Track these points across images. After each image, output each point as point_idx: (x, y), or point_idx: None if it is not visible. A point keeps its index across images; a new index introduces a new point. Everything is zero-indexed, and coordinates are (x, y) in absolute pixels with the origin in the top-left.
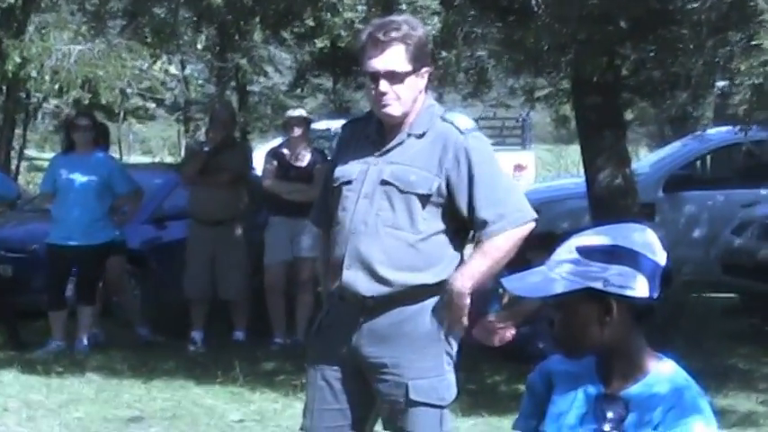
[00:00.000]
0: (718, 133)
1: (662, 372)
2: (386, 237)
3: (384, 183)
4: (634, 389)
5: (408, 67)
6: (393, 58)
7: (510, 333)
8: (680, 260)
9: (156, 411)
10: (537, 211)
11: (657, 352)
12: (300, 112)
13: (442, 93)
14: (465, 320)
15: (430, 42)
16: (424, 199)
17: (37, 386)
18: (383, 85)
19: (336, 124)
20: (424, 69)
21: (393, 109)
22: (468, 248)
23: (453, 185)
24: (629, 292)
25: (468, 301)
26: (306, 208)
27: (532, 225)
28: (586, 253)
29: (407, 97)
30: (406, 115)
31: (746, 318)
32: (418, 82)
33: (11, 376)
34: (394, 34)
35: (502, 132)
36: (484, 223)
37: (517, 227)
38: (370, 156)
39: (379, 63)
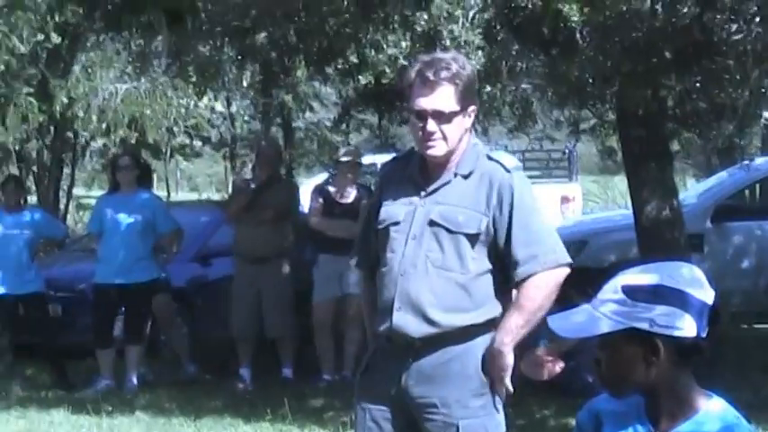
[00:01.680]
0: (766, 163)
1: (711, 410)
2: (436, 278)
3: (432, 224)
4: (684, 427)
5: (456, 108)
6: (442, 97)
7: (558, 366)
8: (728, 291)
9: None
10: (584, 243)
11: (705, 385)
12: (351, 156)
13: (488, 126)
14: (508, 382)
15: (477, 81)
16: (473, 238)
17: (87, 425)
18: (431, 124)
19: (381, 159)
20: (471, 108)
21: (438, 149)
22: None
23: (497, 223)
24: (676, 333)
25: (509, 360)
26: (353, 244)
27: (567, 270)
28: (632, 292)
29: (454, 137)
30: (450, 154)
31: None
32: (465, 121)
33: (60, 416)
34: (444, 74)
35: (548, 165)
36: (516, 263)
37: (548, 269)
38: (415, 196)
39: (428, 102)
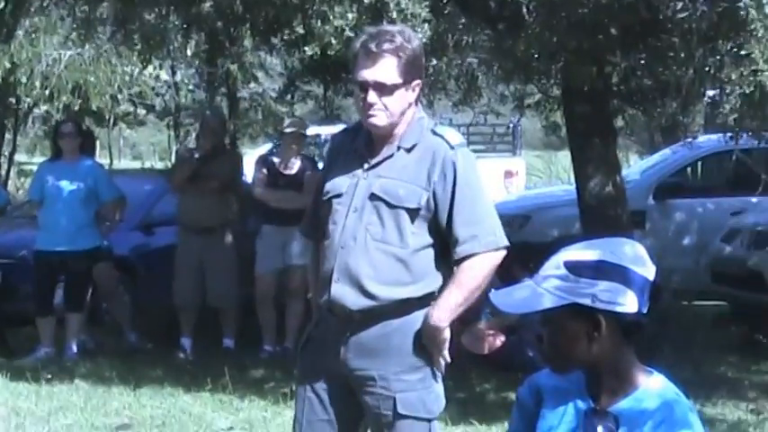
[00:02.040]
0: (709, 141)
1: (652, 386)
2: (375, 251)
3: (373, 197)
4: (624, 404)
5: (399, 80)
6: (384, 69)
7: (499, 340)
8: (669, 268)
9: (145, 419)
10: (527, 218)
11: (646, 362)
12: (295, 127)
13: (433, 100)
14: (446, 355)
15: (423, 55)
16: (413, 213)
17: (25, 393)
18: (372, 95)
19: (326, 131)
20: (416, 82)
21: (379, 120)
22: None
23: (438, 199)
24: (618, 308)
25: (446, 335)
26: (296, 216)
27: (503, 253)
28: (574, 268)
29: (395, 109)
30: (392, 127)
31: (736, 326)
32: (408, 95)
33: None
34: (386, 46)
35: (492, 139)
36: (456, 241)
37: (487, 251)
38: (358, 169)
39: (370, 74)
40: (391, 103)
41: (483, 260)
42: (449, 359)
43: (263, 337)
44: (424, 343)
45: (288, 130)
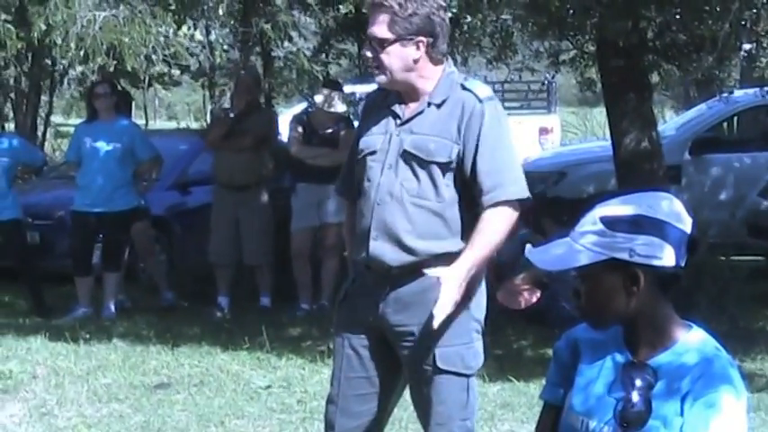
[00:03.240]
0: (745, 95)
1: (691, 340)
2: (411, 206)
3: (405, 153)
4: (662, 357)
5: (389, 35)
6: (377, 24)
7: (535, 296)
8: (706, 223)
9: (183, 378)
10: (563, 174)
11: (683, 316)
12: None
13: (467, 57)
14: (448, 306)
15: (433, 13)
16: (445, 166)
17: (64, 353)
18: (369, 50)
19: (361, 89)
20: (418, 39)
21: (378, 77)
22: None
23: (465, 150)
24: (655, 262)
25: (455, 294)
26: (331, 173)
27: (523, 206)
28: (611, 223)
29: (392, 65)
30: (395, 83)
31: None
32: (407, 51)
33: (38, 343)
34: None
35: (527, 96)
36: (481, 191)
37: (509, 200)
38: (391, 125)
39: (369, 28)
40: (387, 59)
41: (504, 210)
42: (448, 309)
43: (299, 294)
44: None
45: (318, 97)
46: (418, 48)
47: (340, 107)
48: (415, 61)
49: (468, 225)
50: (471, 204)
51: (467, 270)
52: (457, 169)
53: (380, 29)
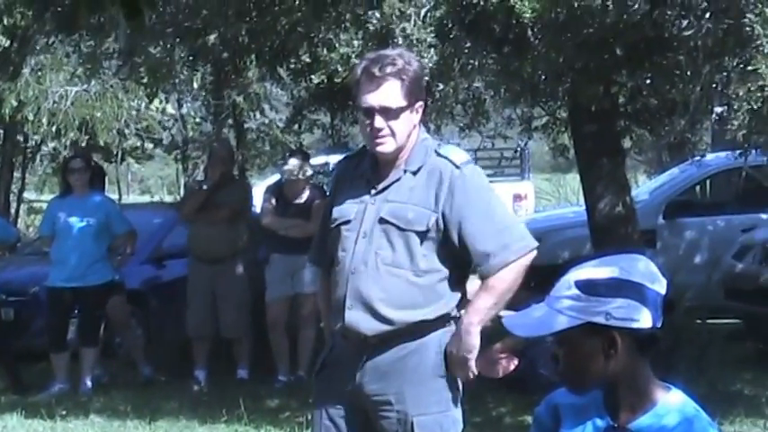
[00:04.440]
0: (717, 158)
1: (671, 402)
2: (386, 275)
3: (382, 221)
4: (643, 420)
5: (403, 103)
6: (388, 93)
7: (513, 363)
8: (682, 286)
9: None
10: (537, 240)
11: (662, 379)
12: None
13: (440, 125)
14: (472, 364)
15: (425, 76)
16: (422, 235)
17: (41, 430)
18: (378, 121)
19: (334, 159)
20: (419, 104)
21: (387, 146)
22: (472, 280)
23: (447, 219)
24: (633, 325)
25: (476, 341)
26: (304, 244)
27: (534, 254)
28: (586, 287)
29: (402, 133)
30: (399, 150)
31: (750, 342)
32: (413, 117)
33: (14, 420)
34: (389, 69)
35: (500, 163)
36: (486, 256)
37: (520, 257)
38: (366, 194)
39: (375, 99)
40: (398, 127)
41: (515, 264)
42: (475, 370)
43: (276, 366)
44: (450, 351)
45: (286, 167)
46: (417, 112)
47: (309, 171)
48: (414, 126)
49: (455, 288)
50: (461, 271)
51: (480, 321)
52: (442, 239)
53: (394, 98)
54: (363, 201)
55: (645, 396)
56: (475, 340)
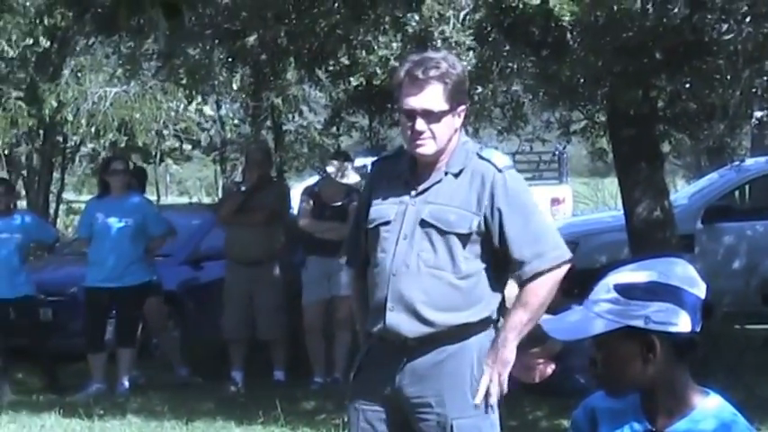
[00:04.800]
0: (756, 163)
1: (708, 407)
2: (427, 277)
3: (424, 223)
4: (680, 425)
5: (446, 107)
6: (431, 96)
7: (550, 368)
8: (720, 292)
9: None
10: (575, 245)
11: (700, 385)
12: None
13: (478, 128)
14: (505, 379)
15: (467, 80)
16: (465, 238)
17: (78, 429)
18: (420, 123)
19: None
20: (461, 108)
21: (427, 148)
22: (511, 284)
23: (489, 222)
24: (671, 329)
25: (511, 356)
26: (341, 246)
27: (568, 266)
28: (625, 291)
29: (443, 136)
30: (440, 153)
31: None
32: (454, 120)
33: (52, 420)
34: (433, 72)
35: (538, 167)
36: (521, 263)
37: (554, 266)
38: (405, 195)
39: (417, 101)
40: (439, 130)
41: (549, 277)
42: (505, 388)
43: (313, 368)
44: (487, 363)
45: (330, 168)
46: (459, 116)
47: (352, 177)
48: (455, 130)
49: (496, 292)
50: (501, 274)
51: (516, 337)
52: (483, 241)
53: (437, 101)
54: (403, 202)
55: (682, 401)
56: (510, 355)
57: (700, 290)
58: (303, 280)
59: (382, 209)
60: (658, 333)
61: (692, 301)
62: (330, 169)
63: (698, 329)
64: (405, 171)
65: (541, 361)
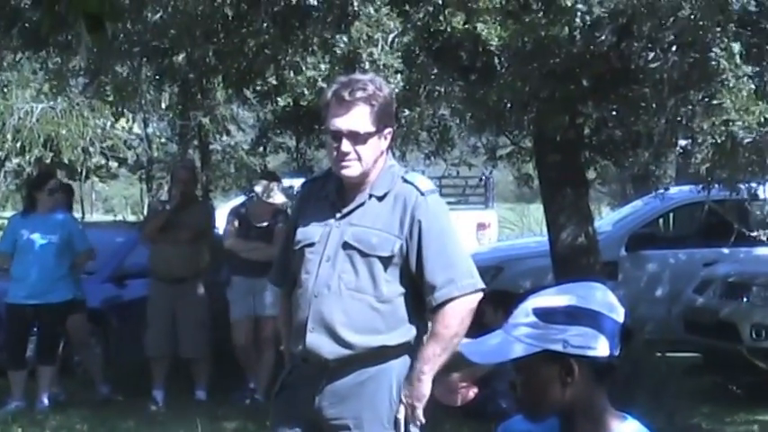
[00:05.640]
0: (680, 192)
1: (625, 431)
2: (348, 299)
3: (346, 246)
4: None
5: (372, 128)
6: (357, 118)
7: (472, 392)
8: (642, 319)
9: None
10: (499, 269)
11: (620, 410)
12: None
13: (405, 151)
14: (420, 413)
15: (394, 103)
16: (387, 261)
17: None
18: (345, 144)
19: (298, 182)
20: (387, 130)
21: (353, 170)
22: None
23: (409, 246)
24: (590, 353)
25: (426, 390)
26: (266, 266)
27: (480, 295)
28: (544, 315)
29: (369, 158)
30: (365, 175)
31: (709, 376)
32: (380, 143)
33: None
34: (360, 94)
35: (465, 191)
36: (432, 288)
37: (465, 294)
38: (330, 217)
39: (343, 122)
40: (365, 152)
41: (461, 305)
42: (423, 420)
43: (247, 378)
44: (403, 396)
45: (258, 188)
46: (386, 138)
47: (279, 198)
48: (381, 152)
49: (417, 316)
50: (420, 300)
51: (431, 369)
52: (403, 265)
53: (363, 122)
54: (328, 224)
55: (600, 425)
56: (425, 389)
57: (618, 314)
58: (229, 297)
59: (308, 230)
60: (577, 357)
61: (611, 325)
62: (258, 189)
63: (616, 353)
64: (331, 193)
65: (464, 384)
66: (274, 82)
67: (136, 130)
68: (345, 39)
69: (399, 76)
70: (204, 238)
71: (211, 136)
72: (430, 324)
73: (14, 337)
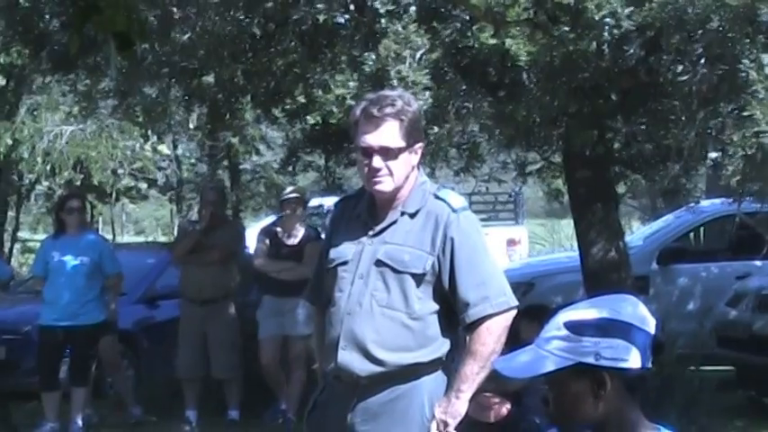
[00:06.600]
0: (712, 205)
1: None
2: (380, 317)
3: (379, 263)
4: None
5: (402, 144)
6: (387, 133)
7: (505, 408)
8: (674, 333)
9: None
10: (531, 285)
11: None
12: (295, 193)
13: (434, 168)
14: (452, 430)
15: (422, 118)
16: (419, 278)
17: None
18: (377, 161)
19: (329, 201)
20: (417, 145)
21: (385, 185)
22: None
23: (442, 263)
24: (622, 365)
25: (462, 409)
26: (296, 286)
27: (514, 312)
28: (575, 328)
29: (400, 173)
30: (397, 191)
31: (742, 391)
32: (411, 158)
33: None
34: (389, 110)
35: (494, 207)
36: (466, 305)
37: (499, 312)
38: (363, 235)
39: (373, 139)
40: (396, 168)
41: (496, 323)
42: None
43: (277, 398)
44: (436, 413)
45: (287, 196)
46: (416, 153)
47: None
48: (413, 168)
49: (448, 332)
50: (454, 316)
51: (469, 387)
52: (436, 282)
53: (393, 138)
54: (361, 242)
55: None
56: (462, 408)
57: (650, 326)
58: (258, 317)
59: (341, 249)
60: (609, 369)
61: (642, 337)
62: (286, 192)
63: (648, 366)
64: (363, 211)
65: (497, 400)
66: (303, 101)
67: (165, 151)
68: (373, 56)
69: (428, 92)
70: (234, 258)
71: (240, 156)
72: (466, 340)
73: (47, 360)
